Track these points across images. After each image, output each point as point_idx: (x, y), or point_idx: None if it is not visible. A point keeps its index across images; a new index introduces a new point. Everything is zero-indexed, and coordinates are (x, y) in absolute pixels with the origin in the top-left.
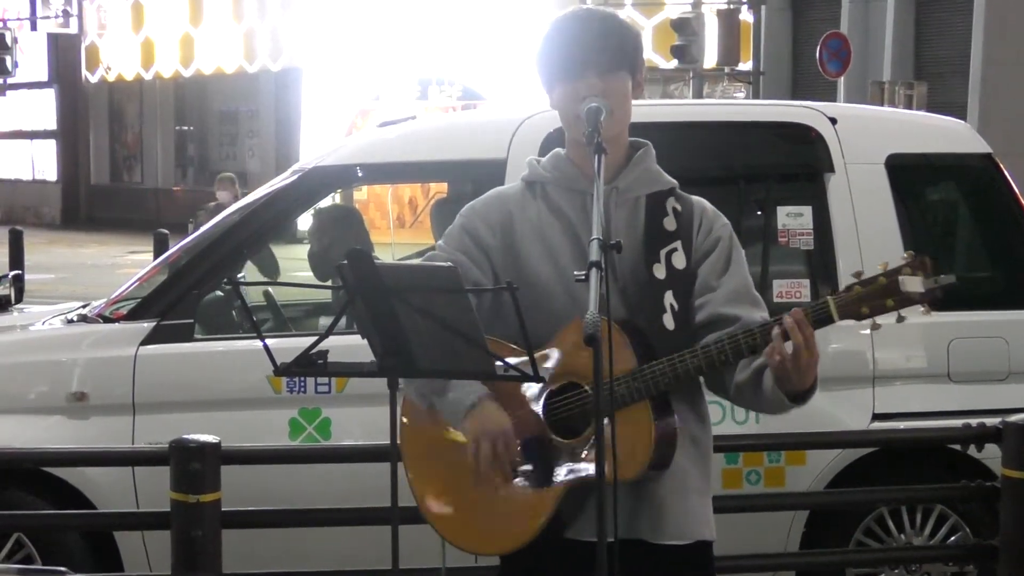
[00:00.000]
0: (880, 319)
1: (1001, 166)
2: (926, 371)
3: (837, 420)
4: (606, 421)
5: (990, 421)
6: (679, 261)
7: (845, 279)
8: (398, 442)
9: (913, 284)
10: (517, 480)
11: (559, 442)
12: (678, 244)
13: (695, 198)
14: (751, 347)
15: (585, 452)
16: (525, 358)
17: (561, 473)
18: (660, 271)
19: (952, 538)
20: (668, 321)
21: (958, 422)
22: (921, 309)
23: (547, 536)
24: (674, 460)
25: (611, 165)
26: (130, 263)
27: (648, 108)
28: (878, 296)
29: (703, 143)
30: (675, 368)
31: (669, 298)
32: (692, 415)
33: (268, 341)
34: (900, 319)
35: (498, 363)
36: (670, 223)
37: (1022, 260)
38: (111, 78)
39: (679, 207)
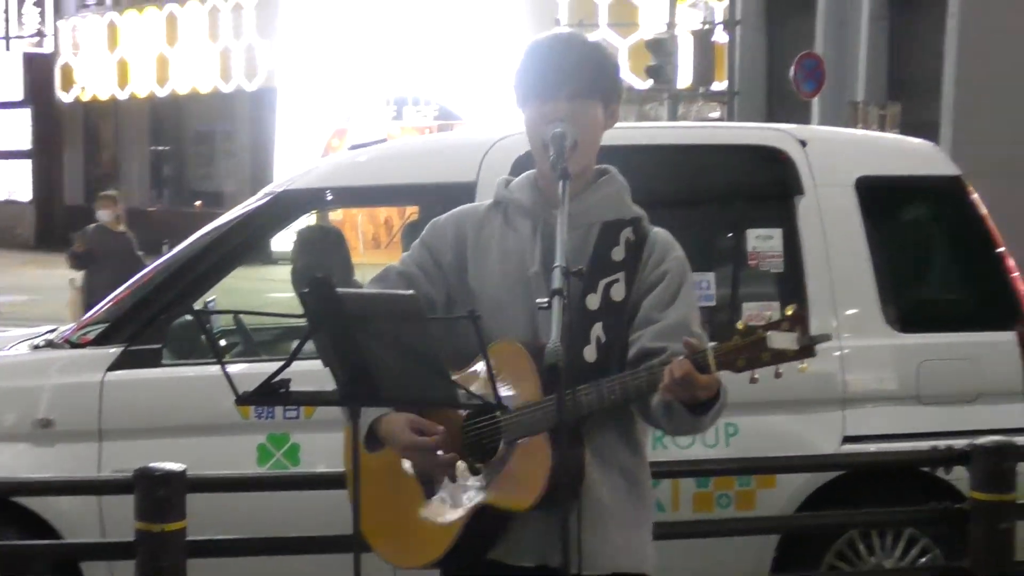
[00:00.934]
0: (758, 373)
1: (970, 188)
2: (896, 393)
3: (808, 443)
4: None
5: (959, 443)
6: (617, 293)
7: (814, 302)
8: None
9: (785, 341)
10: (434, 498)
11: (471, 464)
12: (621, 276)
13: (656, 230)
14: (638, 390)
15: (491, 477)
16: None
17: (470, 494)
18: (594, 302)
19: (923, 560)
20: (589, 353)
21: (928, 444)
22: (799, 365)
23: (469, 555)
24: (596, 491)
25: (572, 190)
26: None
27: (619, 131)
28: (754, 349)
29: (674, 166)
30: (588, 399)
31: (597, 330)
32: (623, 444)
33: (238, 367)
34: (778, 375)
35: (461, 391)
36: (618, 253)
37: (990, 282)
38: (86, 98)
39: (633, 238)
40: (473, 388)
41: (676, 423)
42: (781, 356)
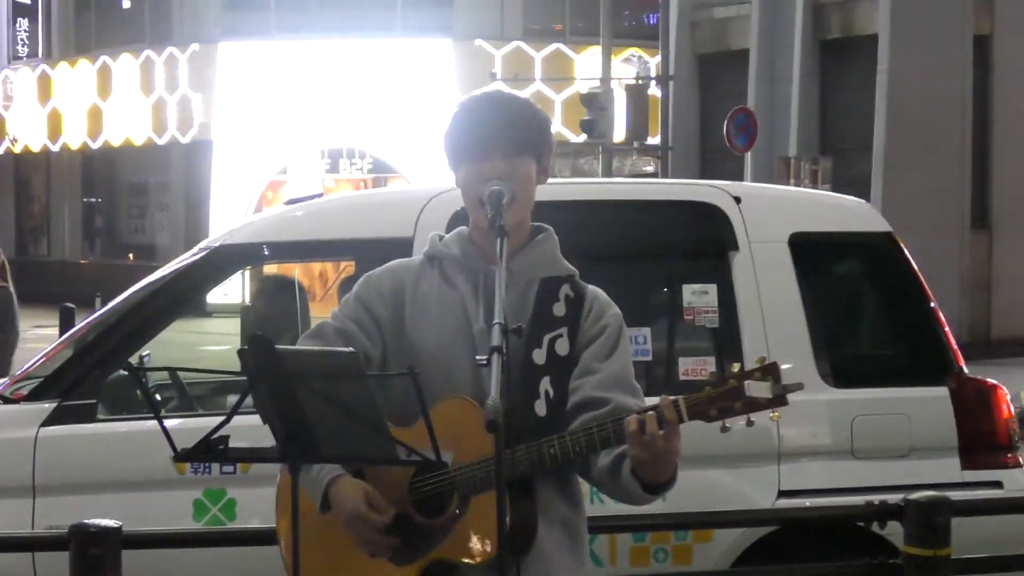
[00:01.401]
0: (729, 422)
1: (901, 244)
2: (830, 448)
3: (743, 497)
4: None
5: (893, 498)
6: (562, 348)
7: (750, 356)
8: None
9: (761, 390)
10: (381, 541)
11: (420, 520)
12: (564, 331)
13: (590, 287)
14: (603, 439)
15: (445, 532)
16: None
17: (421, 552)
18: (540, 356)
19: None
20: (540, 407)
21: (862, 499)
22: (771, 414)
23: None
24: (541, 546)
25: (510, 247)
26: (35, 337)
27: (555, 187)
28: (727, 399)
29: (610, 221)
30: (531, 456)
31: (545, 384)
32: (561, 498)
33: (173, 422)
34: (749, 423)
35: (400, 447)
36: (559, 309)
37: (922, 337)
38: (17, 150)
39: (571, 294)
40: (421, 444)
41: (622, 491)
42: (755, 404)
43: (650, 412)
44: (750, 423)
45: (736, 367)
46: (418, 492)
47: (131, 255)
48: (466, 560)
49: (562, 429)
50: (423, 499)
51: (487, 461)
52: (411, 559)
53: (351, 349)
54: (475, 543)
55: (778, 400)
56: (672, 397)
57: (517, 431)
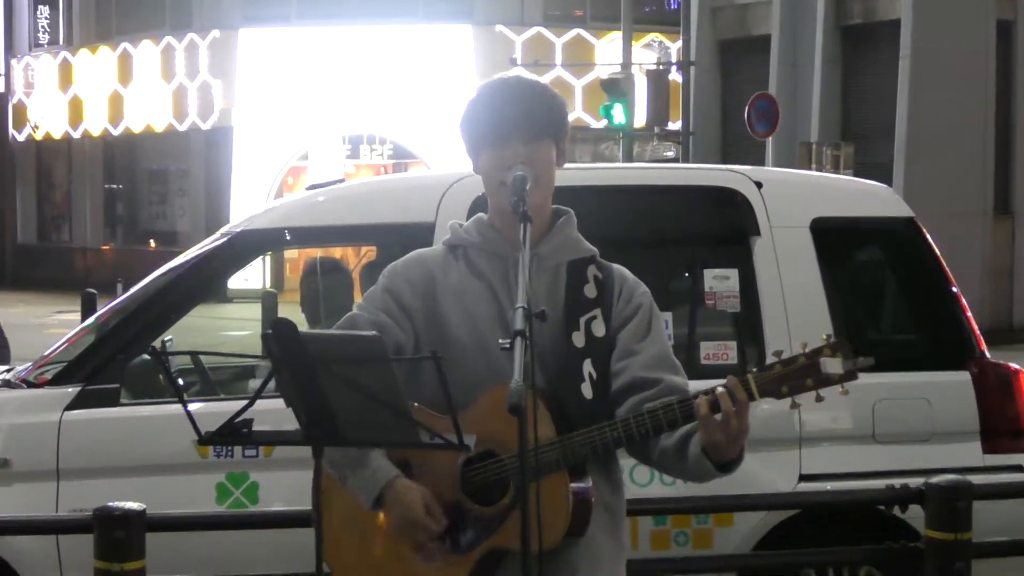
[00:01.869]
0: (799, 398)
1: (923, 229)
2: (852, 432)
3: (764, 481)
4: (529, 489)
5: (914, 482)
6: (598, 329)
7: (771, 341)
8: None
9: (833, 366)
10: (432, 547)
11: (475, 510)
12: (598, 312)
13: (615, 266)
14: (671, 421)
15: (501, 521)
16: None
17: (476, 541)
18: (579, 339)
19: None
20: (587, 390)
21: (883, 483)
22: (839, 389)
23: None
24: (588, 529)
25: (533, 232)
26: (57, 323)
27: (576, 172)
28: (798, 376)
29: (631, 207)
30: (593, 440)
31: (588, 366)
32: (605, 482)
33: (195, 406)
34: (819, 399)
35: (423, 432)
36: (591, 291)
37: (944, 322)
38: (39, 136)
39: (600, 275)
40: (476, 428)
41: (690, 470)
42: (826, 381)
43: (721, 391)
44: (819, 399)
45: (803, 345)
46: (471, 481)
47: (152, 241)
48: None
49: (608, 410)
50: (478, 488)
51: (543, 447)
52: (466, 548)
53: (374, 333)
54: (542, 528)
55: (848, 376)
56: (740, 376)
57: (568, 416)
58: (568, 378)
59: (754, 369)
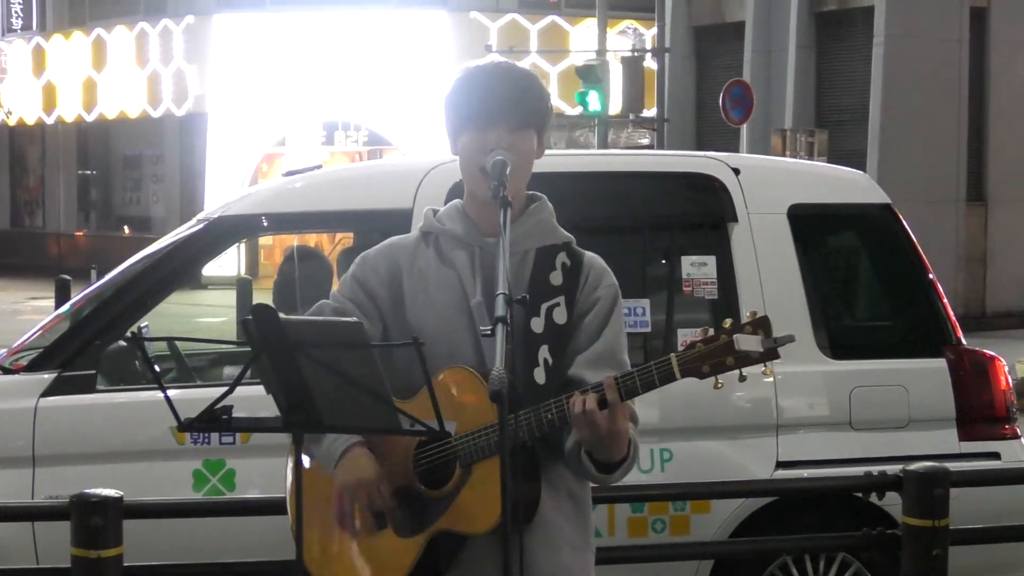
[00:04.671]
0: (722, 378)
1: (900, 216)
2: (828, 419)
3: (742, 468)
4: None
5: (891, 469)
6: (559, 316)
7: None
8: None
9: (749, 343)
10: (384, 528)
11: (425, 491)
12: (561, 299)
13: (588, 254)
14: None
15: (448, 504)
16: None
17: (424, 524)
18: (538, 325)
19: None
20: (539, 375)
21: (860, 470)
22: (762, 368)
23: None
24: (545, 515)
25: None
26: (31, 309)
27: (554, 158)
28: (719, 354)
29: (609, 193)
30: (529, 421)
31: (544, 352)
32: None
33: (172, 392)
34: (742, 378)
35: (403, 418)
36: (556, 278)
37: (921, 309)
38: (12, 122)
39: (568, 262)
40: (424, 416)
41: (581, 470)
42: (746, 359)
43: (591, 392)
44: (742, 378)
45: (728, 323)
46: (422, 464)
47: (126, 227)
48: (468, 530)
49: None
50: (428, 471)
51: (487, 429)
52: (416, 531)
53: (355, 319)
54: (477, 513)
55: (770, 353)
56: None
57: (518, 399)
58: (522, 362)
59: (679, 348)
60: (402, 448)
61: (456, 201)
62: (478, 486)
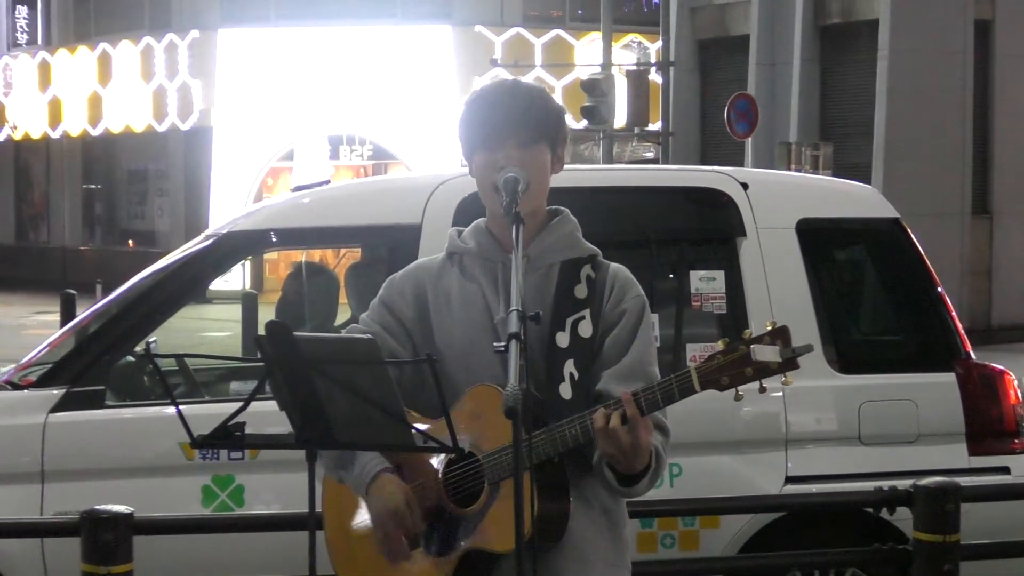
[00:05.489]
0: (742, 389)
1: (908, 230)
2: (838, 434)
3: (751, 483)
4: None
5: (901, 484)
6: (585, 330)
7: None
8: (320, 508)
9: (767, 353)
10: (417, 549)
11: (456, 510)
12: (586, 312)
13: (614, 266)
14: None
15: (478, 522)
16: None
17: (457, 544)
18: (563, 340)
19: None
20: (565, 390)
21: (870, 485)
22: (781, 379)
23: None
24: (577, 531)
25: (525, 234)
26: (36, 324)
27: (563, 173)
28: (737, 366)
29: (617, 208)
30: (552, 436)
31: (569, 367)
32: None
33: (181, 408)
34: (762, 389)
35: (416, 435)
36: (581, 291)
37: (930, 323)
38: (17, 136)
39: (593, 274)
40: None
41: (605, 486)
42: (764, 370)
43: (613, 406)
44: (763, 389)
45: (747, 333)
46: (451, 482)
47: (131, 242)
48: (497, 549)
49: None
50: (458, 489)
51: (506, 448)
52: (448, 551)
53: (369, 336)
54: (504, 531)
55: (788, 364)
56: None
57: (543, 415)
58: (548, 378)
59: (688, 363)
60: (432, 467)
61: (479, 220)
62: (506, 503)
